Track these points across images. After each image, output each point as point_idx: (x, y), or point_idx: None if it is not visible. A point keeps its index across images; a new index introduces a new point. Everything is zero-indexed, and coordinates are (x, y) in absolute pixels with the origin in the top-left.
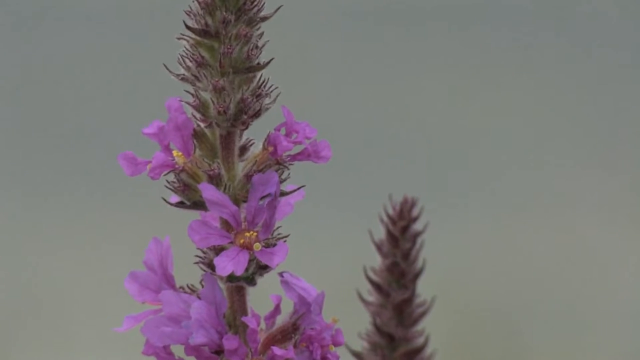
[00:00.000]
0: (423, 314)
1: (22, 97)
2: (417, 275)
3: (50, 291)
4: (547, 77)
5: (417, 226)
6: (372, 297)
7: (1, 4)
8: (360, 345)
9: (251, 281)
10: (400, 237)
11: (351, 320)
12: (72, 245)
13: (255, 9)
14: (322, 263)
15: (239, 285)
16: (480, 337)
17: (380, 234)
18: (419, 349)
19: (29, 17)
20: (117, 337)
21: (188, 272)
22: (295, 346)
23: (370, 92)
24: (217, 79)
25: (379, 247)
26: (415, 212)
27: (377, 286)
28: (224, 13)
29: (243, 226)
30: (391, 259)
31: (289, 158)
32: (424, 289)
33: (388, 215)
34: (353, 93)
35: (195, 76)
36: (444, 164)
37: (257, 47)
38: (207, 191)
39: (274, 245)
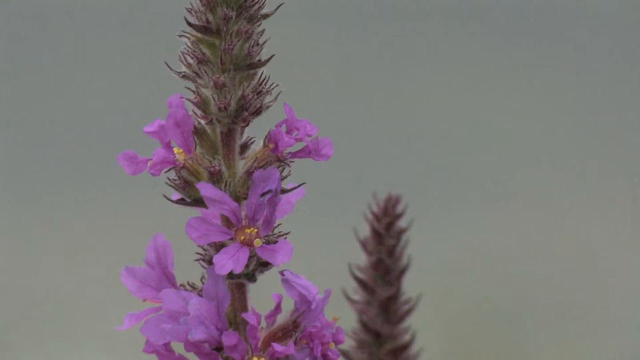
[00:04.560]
0: (409, 311)
1: (22, 98)
2: (402, 272)
3: (50, 291)
4: (547, 77)
5: (402, 223)
6: (357, 294)
7: (1, 5)
8: (347, 343)
9: (251, 278)
10: (385, 234)
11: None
12: (72, 246)
13: (257, 6)
14: (308, 261)
15: (239, 282)
16: (477, 335)
17: (366, 231)
18: (405, 346)
19: (29, 18)
20: (117, 336)
21: (190, 269)
22: (295, 343)
23: (369, 91)
24: (218, 76)
25: (363, 245)
26: (399, 209)
27: (362, 283)
28: (225, 10)
29: (243, 223)
30: (376, 256)
31: (289, 155)
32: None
33: (372, 213)
34: (353, 91)
35: (196, 73)
36: (443, 162)
37: (258, 44)
38: (205, 189)
39: (275, 242)
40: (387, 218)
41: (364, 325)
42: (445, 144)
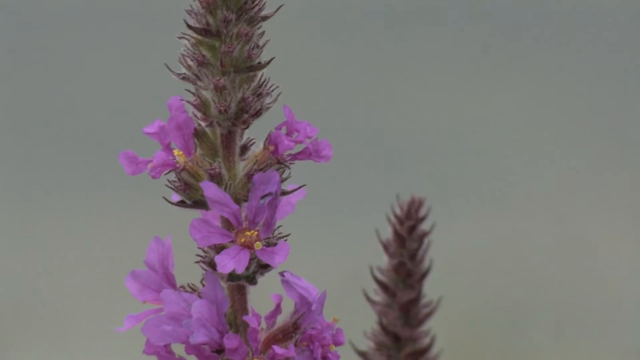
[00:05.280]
0: (429, 315)
1: (23, 98)
2: (423, 275)
3: (50, 291)
4: (547, 76)
5: (424, 226)
6: (378, 296)
7: (2, 6)
8: (366, 345)
9: (252, 280)
10: (407, 237)
11: (357, 320)
12: (72, 245)
13: (257, 8)
14: (329, 263)
15: (239, 284)
16: (477, 336)
17: (387, 233)
18: (425, 350)
19: (29, 19)
20: (117, 336)
21: (189, 272)
22: (296, 345)
23: (370, 91)
24: (218, 78)
25: (386, 247)
26: (422, 213)
27: (383, 286)
28: (225, 12)
29: (244, 225)
30: (398, 259)
31: (289, 157)
32: (425, 288)
33: (395, 215)
34: (354, 92)
35: (197, 75)
36: (445, 163)
37: (258, 46)
38: (209, 189)
39: (275, 244)
40: (409, 221)
41: (384, 328)
42: (445, 144)
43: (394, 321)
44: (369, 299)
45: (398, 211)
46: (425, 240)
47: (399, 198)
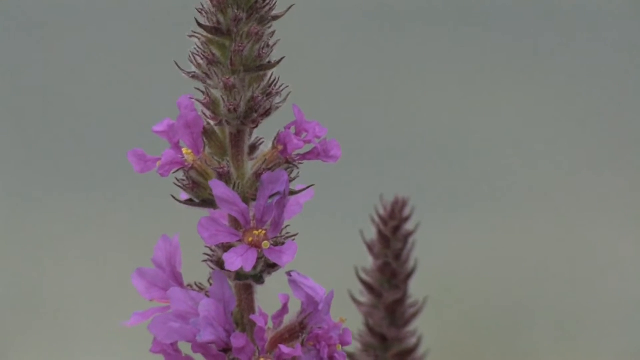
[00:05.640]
0: (415, 314)
1: (23, 98)
2: (408, 275)
3: (50, 291)
4: (547, 77)
5: (409, 226)
6: (364, 297)
7: (2, 6)
8: (353, 346)
9: (259, 279)
10: (392, 237)
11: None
12: (72, 245)
13: (267, 7)
14: (314, 264)
15: (246, 283)
16: (480, 336)
17: (372, 234)
18: (412, 349)
19: (29, 19)
20: (117, 337)
21: (196, 270)
22: (302, 345)
23: (371, 91)
24: (227, 77)
25: (370, 248)
26: (406, 212)
27: (369, 287)
28: (236, 11)
29: (252, 224)
30: (383, 259)
31: (298, 157)
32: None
33: (379, 216)
34: (354, 92)
35: (206, 74)
36: (444, 163)
37: (268, 45)
38: (218, 188)
39: (283, 243)
40: (393, 221)
41: (370, 329)
42: (445, 144)
43: (380, 322)
44: (354, 300)
45: (382, 211)
46: (410, 240)
47: (382, 198)
